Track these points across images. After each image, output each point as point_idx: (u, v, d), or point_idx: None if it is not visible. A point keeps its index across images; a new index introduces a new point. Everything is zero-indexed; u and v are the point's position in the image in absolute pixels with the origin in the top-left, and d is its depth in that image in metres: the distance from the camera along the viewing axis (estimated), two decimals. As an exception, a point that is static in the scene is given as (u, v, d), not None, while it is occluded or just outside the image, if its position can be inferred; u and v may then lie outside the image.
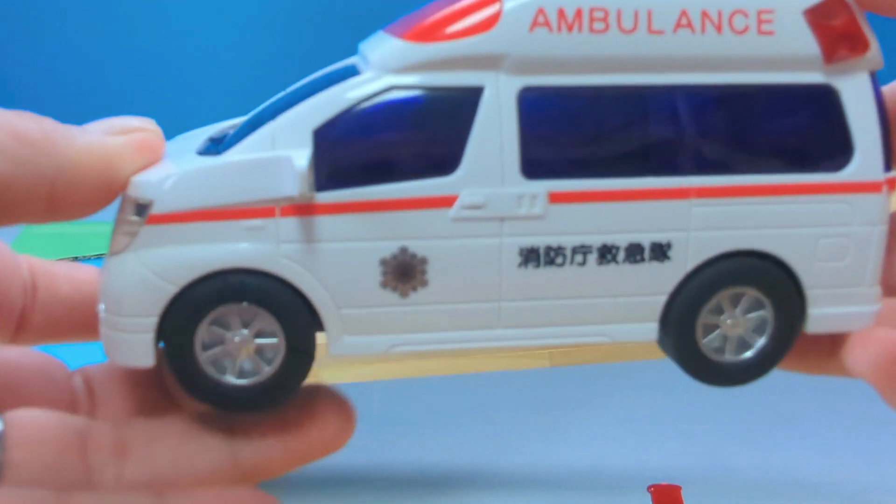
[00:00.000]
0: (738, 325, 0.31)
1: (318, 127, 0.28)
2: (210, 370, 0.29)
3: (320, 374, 0.65)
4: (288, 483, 0.80)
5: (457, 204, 0.28)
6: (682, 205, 0.30)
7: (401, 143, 0.29)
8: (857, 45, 0.30)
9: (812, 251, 0.31)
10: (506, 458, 0.79)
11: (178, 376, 0.29)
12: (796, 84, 0.31)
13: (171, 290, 0.28)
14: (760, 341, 0.32)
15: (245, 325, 0.29)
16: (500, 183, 0.29)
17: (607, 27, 0.29)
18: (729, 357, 0.32)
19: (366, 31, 0.33)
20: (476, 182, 0.29)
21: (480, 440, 0.81)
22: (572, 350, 0.67)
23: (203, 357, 0.29)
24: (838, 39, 0.30)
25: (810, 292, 0.31)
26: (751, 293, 0.31)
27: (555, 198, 0.29)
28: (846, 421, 0.86)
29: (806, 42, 0.30)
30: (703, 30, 0.29)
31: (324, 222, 0.28)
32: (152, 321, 0.28)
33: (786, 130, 0.31)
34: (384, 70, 0.29)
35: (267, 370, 0.29)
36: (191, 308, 0.28)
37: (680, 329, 0.31)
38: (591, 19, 0.29)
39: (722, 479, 0.79)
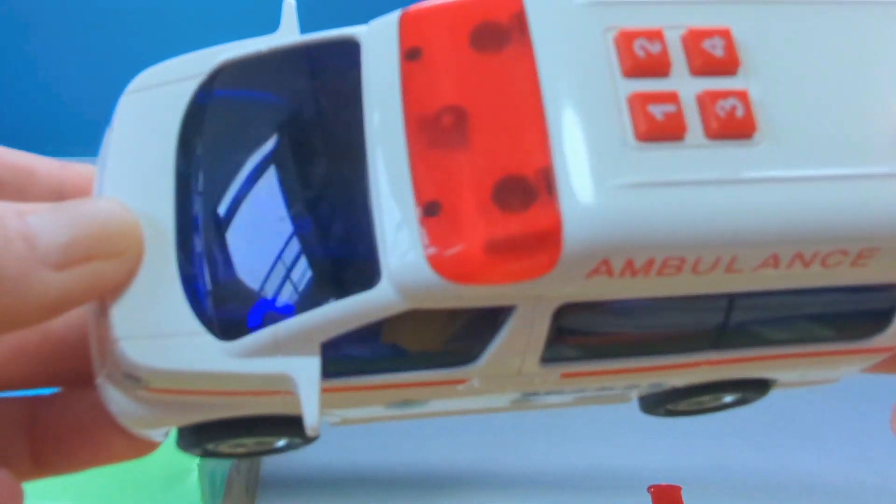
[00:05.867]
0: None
1: (326, 341, 0.25)
2: None
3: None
4: (288, 483, 0.80)
5: None
6: None
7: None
8: None
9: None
10: (506, 458, 0.80)
11: None
12: None
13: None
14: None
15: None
16: None
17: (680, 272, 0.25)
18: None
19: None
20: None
21: (480, 440, 0.81)
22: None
23: None
24: None
25: None
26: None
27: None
28: (846, 422, 0.86)
29: None
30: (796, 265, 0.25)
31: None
32: None
33: None
34: (401, 292, 0.24)
35: None
36: None
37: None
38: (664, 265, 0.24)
39: (722, 479, 0.79)
